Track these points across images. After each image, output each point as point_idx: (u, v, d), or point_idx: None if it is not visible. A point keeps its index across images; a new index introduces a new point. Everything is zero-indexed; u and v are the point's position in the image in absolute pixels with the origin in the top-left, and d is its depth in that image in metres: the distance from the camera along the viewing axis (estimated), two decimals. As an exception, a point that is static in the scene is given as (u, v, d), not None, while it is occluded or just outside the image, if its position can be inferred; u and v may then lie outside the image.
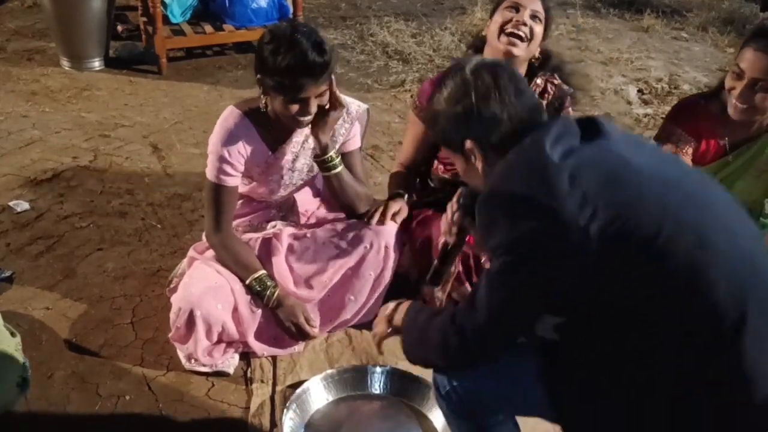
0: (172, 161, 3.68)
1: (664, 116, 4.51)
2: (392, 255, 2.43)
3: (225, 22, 5.09)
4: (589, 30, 6.19)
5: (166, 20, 4.93)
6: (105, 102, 4.37)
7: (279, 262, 2.40)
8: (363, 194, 2.47)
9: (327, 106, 2.24)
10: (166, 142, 3.88)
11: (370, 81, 4.95)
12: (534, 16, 2.43)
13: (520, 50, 2.42)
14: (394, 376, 2.28)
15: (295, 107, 2.14)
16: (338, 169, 2.37)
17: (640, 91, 5.00)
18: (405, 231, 2.51)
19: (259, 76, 2.15)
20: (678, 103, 2.68)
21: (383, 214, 2.43)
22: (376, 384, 2.28)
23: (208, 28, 5.03)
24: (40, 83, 4.57)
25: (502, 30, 2.42)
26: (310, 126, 2.28)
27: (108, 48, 4.94)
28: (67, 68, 4.80)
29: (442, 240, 1.98)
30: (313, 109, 2.18)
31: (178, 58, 5.14)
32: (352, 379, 2.27)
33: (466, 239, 1.97)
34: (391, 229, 2.43)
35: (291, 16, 5.20)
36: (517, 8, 2.43)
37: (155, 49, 4.82)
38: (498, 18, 2.45)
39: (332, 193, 2.45)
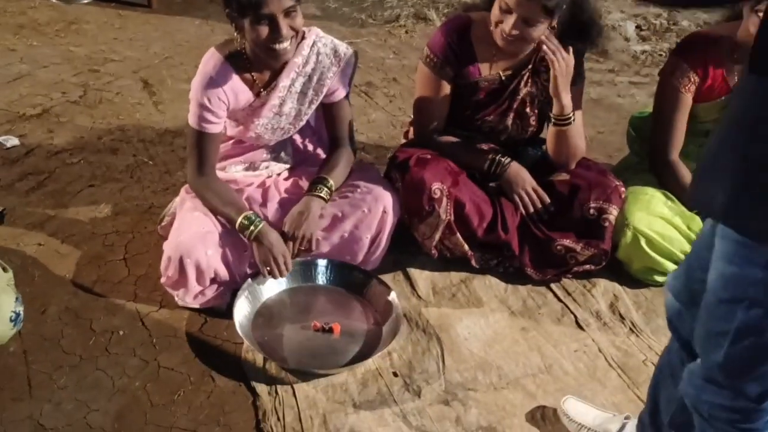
0: (163, 97, 3.63)
1: (662, 53, 4.49)
2: (390, 219, 2.40)
3: (216, -47, 4.97)
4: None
5: (155, -49, 4.81)
6: (94, 36, 4.29)
7: (275, 213, 2.38)
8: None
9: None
10: (156, 78, 3.83)
11: (364, 16, 4.87)
12: (526, 21, 2.21)
13: (515, 49, 2.34)
14: (336, 268, 2.42)
15: (264, 30, 2.07)
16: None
17: (638, 27, 4.92)
18: (399, 169, 2.49)
19: (227, 10, 2.10)
20: (687, 37, 2.65)
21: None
22: (321, 276, 2.41)
23: (199, -41, 4.91)
24: (27, 16, 4.49)
25: (495, 24, 2.28)
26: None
27: (96, -20, 4.84)
28: (54, 1, 4.70)
29: None
30: (285, 30, 2.09)
31: (168, -9, 5.04)
32: (299, 272, 2.39)
33: None
34: (390, 193, 2.41)
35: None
36: (508, 10, 2.21)
37: (144, -18, 4.72)
38: (495, 9, 2.26)
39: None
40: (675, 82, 2.50)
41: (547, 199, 2.48)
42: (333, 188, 2.37)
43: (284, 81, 2.30)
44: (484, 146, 2.55)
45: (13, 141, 3.13)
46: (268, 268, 2.24)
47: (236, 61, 2.23)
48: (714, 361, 1.36)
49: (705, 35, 2.58)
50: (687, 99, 2.51)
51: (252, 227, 2.21)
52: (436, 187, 2.36)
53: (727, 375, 1.36)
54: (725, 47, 2.45)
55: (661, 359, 1.69)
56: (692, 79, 2.48)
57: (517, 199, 2.47)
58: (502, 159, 2.47)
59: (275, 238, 2.24)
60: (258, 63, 2.24)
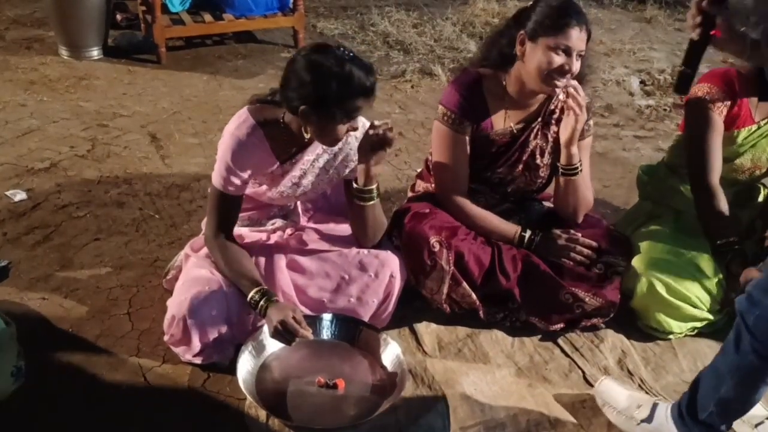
0: (171, 151, 3.66)
1: (666, 107, 4.52)
2: (398, 283, 2.38)
3: (224, 11, 5.07)
4: (592, 21, 6.03)
5: (165, 9, 4.91)
6: (103, 91, 4.35)
7: (284, 280, 2.36)
8: (384, 226, 2.42)
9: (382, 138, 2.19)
10: (164, 132, 3.86)
11: (371, 71, 4.92)
12: (579, 54, 2.30)
13: (561, 88, 2.33)
14: (342, 323, 2.37)
15: (344, 128, 2.13)
16: (374, 201, 2.31)
17: (642, 82, 4.97)
18: (397, 226, 2.49)
19: (303, 107, 2.08)
20: (713, 70, 2.68)
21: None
22: (326, 331, 2.36)
23: (208, 17, 5.00)
24: (39, 72, 4.56)
25: (548, 73, 2.28)
26: (359, 156, 2.23)
27: (107, 37, 4.93)
28: (65, 57, 4.79)
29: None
30: (358, 122, 2.17)
31: (177, 48, 5.13)
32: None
33: (713, 33, 1.88)
34: (396, 256, 2.40)
35: (291, 6, 5.17)
36: (567, 52, 2.26)
37: (154, 39, 4.80)
38: (543, 58, 2.26)
39: (357, 222, 2.39)
40: (708, 105, 2.52)
41: (594, 243, 2.47)
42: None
43: (309, 155, 2.32)
44: (499, 201, 2.56)
45: (20, 195, 3.15)
46: (283, 332, 2.15)
47: (269, 129, 2.23)
48: None
49: (728, 69, 2.63)
50: (719, 122, 2.53)
51: (262, 302, 2.18)
52: (434, 240, 2.35)
53: None
54: (750, 79, 2.53)
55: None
56: (724, 103, 2.52)
57: (566, 261, 2.45)
58: (533, 237, 2.48)
59: (282, 303, 2.22)
60: (292, 135, 2.24)
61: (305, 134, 2.18)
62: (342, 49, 2.11)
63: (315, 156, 2.34)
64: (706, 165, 2.54)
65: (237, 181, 2.24)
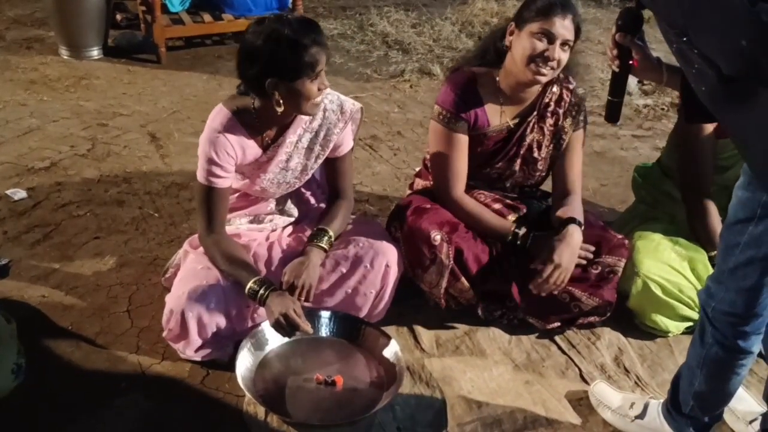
0: (170, 150, 3.67)
1: (664, 106, 4.53)
2: (393, 273, 2.39)
3: (224, 11, 5.08)
4: (590, 20, 6.16)
5: (164, 9, 4.93)
6: (103, 91, 4.37)
7: (279, 271, 2.36)
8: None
9: None
10: (164, 131, 3.88)
11: (370, 71, 4.94)
12: (564, 44, 2.30)
13: (546, 78, 2.35)
14: (340, 320, 2.39)
15: (315, 86, 2.15)
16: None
17: (640, 81, 4.97)
18: (398, 219, 2.50)
19: (269, 80, 2.12)
20: None
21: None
22: (324, 328, 2.37)
23: (207, 17, 5.02)
24: (39, 72, 4.58)
25: (530, 59, 2.30)
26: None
27: (107, 37, 4.95)
28: (65, 57, 4.80)
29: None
30: (326, 81, 2.20)
31: (176, 48, 5.15)
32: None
33: (631, 62, 1.99)
34: (393, 247, 2.41)
35: (290, 6, 5.18)
36: (550, 38, 2.27)
37: (154, 38, 4.82)
38: (527, 44, 2.29)
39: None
40: None
41: (591, 247, 2.46)
42: (333, 239, 2.38)
43: (291, 137, 2.34)
44: (505, 211, 2.54)
45: (21, 194, 3.16)
46: (284, 323, 2.17)
47: (244, 117, 2.26)
48: (727, 266, 1.70)
49: None
50: (709, 130, 2.53)
51: (261, 291, 2.19)
52: (435, 234, 2.36)
53: (733, 279, 1.69)
54: None
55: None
56: None
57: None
58: (527, 236, 2.47)
59: (282, 296, 2.23)
60: (266, 119, 2.27)
61: (278, 108, 2.18)
62: (287, 17, 2.15)
63: (297, 137, 2.35)
64: (697, 176, 2.56)
65: (220, 173, 2.25)
